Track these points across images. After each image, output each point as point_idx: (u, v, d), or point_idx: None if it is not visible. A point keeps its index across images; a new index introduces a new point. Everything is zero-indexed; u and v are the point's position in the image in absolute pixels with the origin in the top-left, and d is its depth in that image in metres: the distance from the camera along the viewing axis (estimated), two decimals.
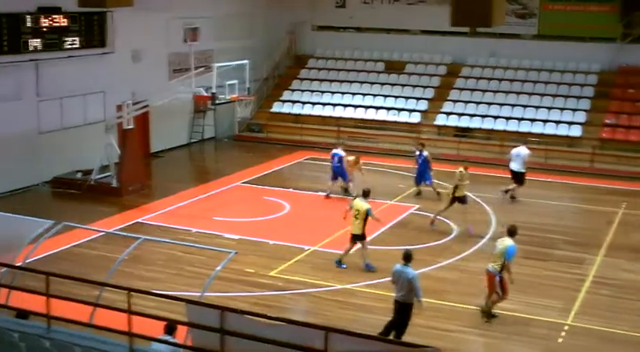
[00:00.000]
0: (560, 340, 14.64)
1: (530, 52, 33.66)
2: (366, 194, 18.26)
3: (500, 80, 33.29)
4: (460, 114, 32.18)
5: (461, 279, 17.58)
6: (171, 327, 11.10)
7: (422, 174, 23.94)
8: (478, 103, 32.47)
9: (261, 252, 19.08)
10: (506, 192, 23.80)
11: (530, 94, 32.36)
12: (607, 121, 30.77)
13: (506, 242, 14.97)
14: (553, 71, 33.10)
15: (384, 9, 35.99)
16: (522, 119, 31.38)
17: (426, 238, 20.07)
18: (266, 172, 27.35)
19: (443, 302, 16.07)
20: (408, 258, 13.85)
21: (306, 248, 19.37)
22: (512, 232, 15.17)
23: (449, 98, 33.20)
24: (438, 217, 21.00)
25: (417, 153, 24.07)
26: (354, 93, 34.29)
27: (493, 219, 21.85)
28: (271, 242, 19.77)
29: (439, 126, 32.16)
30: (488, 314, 15.27)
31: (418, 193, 24.18)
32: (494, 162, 28.03)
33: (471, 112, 32.20)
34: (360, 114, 33.30)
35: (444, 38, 34.11)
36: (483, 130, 31.55)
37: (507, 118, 31.55)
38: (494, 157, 28.86)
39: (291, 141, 31.94)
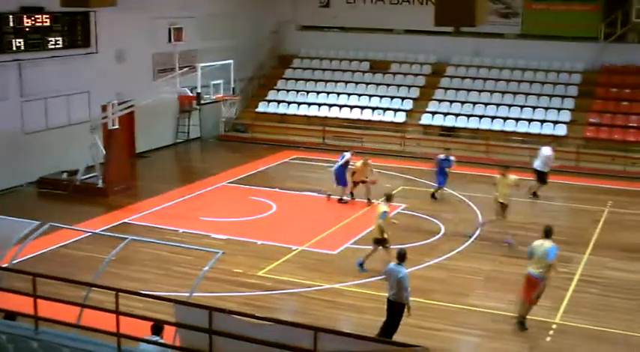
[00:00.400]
0: (548, 339, 14.69)
1: (514, 51, 33.81)
2: (388, 198, 18.03)
3: (484, 79, 33.43)
4: (445, 114, 32.24)
5: (449, 278, 17.59)
6: (158, 327, 11.05)
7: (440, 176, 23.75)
8: (463, 103, 32.55)
9: (249, 251, 19.03)
10: (534, 194, 24.42)
11: (514, 93, 32.50)
12: (591, 120, 30.91)
13: (546, 244, 14.58)
14: (537, 70, 33.24)
15: (368, 9, 36.03)
16: (507, 118, 31.48)
17: (413, 237, 20.06)
18: (252, 172, 27.28)
19: (431, 302, 16.08)
20: (401, 257, 13.85)
21: (294, 248, 19.33)
22: (548, 233, 14.77)
23: (434, 97, 33.26)
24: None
25: (442, 157, 23.73)
26: (338, 93, 34.30)
27: (480, 218, 21.86)
28: (259, 242, 19.72)
29: (424, 126, 32.20)
30: (522, 323, 14.96)
31: (433, 196, 24.03)
32: (480, 161, 28.15)
33: (456, 112, 32.28)
34: (345, 113, 33.31)
35: (428, 37, 34.11)
36: (468, 129, 31.64)
37: (492, 117, 31.67)
38: (480, 156, 28.98)
39: (276, 141, 31.88)
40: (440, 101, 32.96)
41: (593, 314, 15.71)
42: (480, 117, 31.83)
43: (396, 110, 32.95)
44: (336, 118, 33.18)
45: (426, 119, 32.32)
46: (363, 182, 22.96)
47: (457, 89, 33.23)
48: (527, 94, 32.32)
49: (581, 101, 31.77)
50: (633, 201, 24.63)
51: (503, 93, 32.62)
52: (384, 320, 13.98)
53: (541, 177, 24.46)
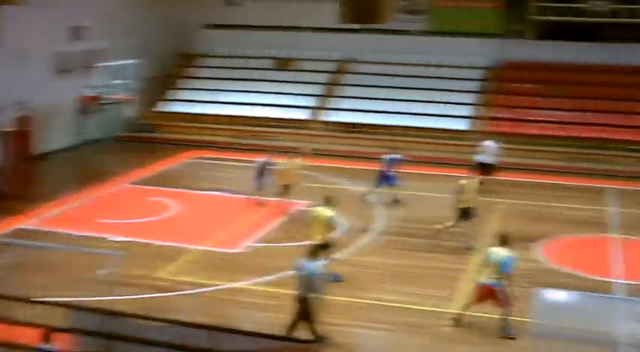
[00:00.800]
0: (446, 329, 14.81)
1: (420, 47, 34.20)
2: (329, 201, 17.06)
3: (390, 76, 33.71)
4: (350, 110, 32.41)
5: (350, 273, 17.61)
6: (48, 335, 10.73)
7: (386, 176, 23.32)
8: (368, 99, 32.77)
9: (149, 253, 18.65)
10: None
11: (419, 90, 32.92)
12: (494, 115, 31.53)
13: (502, 253, 14.17)
14: (441, 66, 33.72)
15: (275, 6, 36.00)
16: (412, 114, 31.86)
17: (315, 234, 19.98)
18: (155, 172, 26.87)
19: (333, 297, 16.03)
20: (313, 253, 13.77)
21: (194, 248, 19.08)
22: (505, 241, 14.38)
23: (338, 94, 33.41)
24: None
25: (388, 156, 23.41)
26: (246, 92, 34.14)
27: (382, 214, 22.00)
28: (158, 243, 19.38)
29: (327, 123, 32.28)
30: (507, 329, 14.41)
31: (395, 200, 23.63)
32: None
33: (361, 108, 32.48)
34: (252, 112, 33.15)
35: (335, 35, 34.28)
36: (373, 126, 31.84)
37: (397, 113, 31.98)
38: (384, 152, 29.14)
39: (182, 141, 31.51)
40: (345, 98, 33.14)
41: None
42: (385, 113, 32.08)
43: (301, 107, 32.98)
44: (244, 117, 33.00)
45: (330, 116, 32.44)
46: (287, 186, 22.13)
47: (362, 86, 33.49)
48: (431, 90, 32.78)
49: (484, 96, 32.38)
50: (525, 192, 25.31)
51: (407, 89, 32.99)
52: (295, 318, 13.86)
53: (487, 169, 24.82)
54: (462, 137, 30.68)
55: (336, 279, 16.54)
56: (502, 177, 26.76)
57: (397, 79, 33.54)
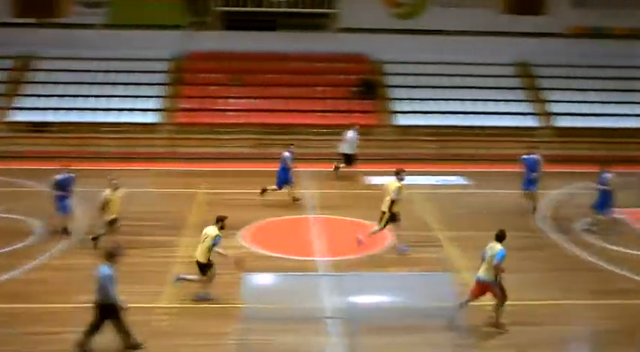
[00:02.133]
0: (158, 323, 14.55)
1: (103, 41, 33.21)
2: (221, 220, 15.78)
3: (77, 72, 32.33)
4: (35, 109, 30.71)
5: (54, 278, 16.74)
6: None
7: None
8: (57, 97, 31.22)
9: None
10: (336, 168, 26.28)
11: (104, 84, 32.07)
12: (183, 106, 31.56)
13: (496, 247, 14.30)
14: (126, 60, 33.04)
15: None
16: (102, 110, 30.84)
17: (5, 242, 18.79)
18: None
19: (43, 305, 15.16)
20: (109, 256, 13.18)
21: None
22: (501, 237, 14.47)
23: (21, 93, 31.57)
24: None
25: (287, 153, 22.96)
26: None
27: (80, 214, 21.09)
28: None
29: (10, 123, 30.32)
30: (499, 323, 14.62)
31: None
32: (70, 155, 26.83)
33: (46, 106, 30.88)
34: None
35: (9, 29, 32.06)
36: (61, 124, 30.41)
37: (87, 110, 30.84)
38: (71, 150, 27.95)
39: None
40: (28, 96, 31.35)
41: (193, 292, 15.85)
42: (71, 110, 30.81)
43: None
44: None
45: (14, 116, 30.53)
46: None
47: (47, 83, 31.90)
48: (117, 84, 32.09)
49: (171, 88, 32.32)
50: (225, 181, 25.78)
51: (92, 84, 31.97)
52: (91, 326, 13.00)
53: (349, 158, 26.12)
54: (153, 130, 30.39)
55: (205, 298, 15.68)
56: (197, 167, 27.01)
57: (86, 74, 32.27)
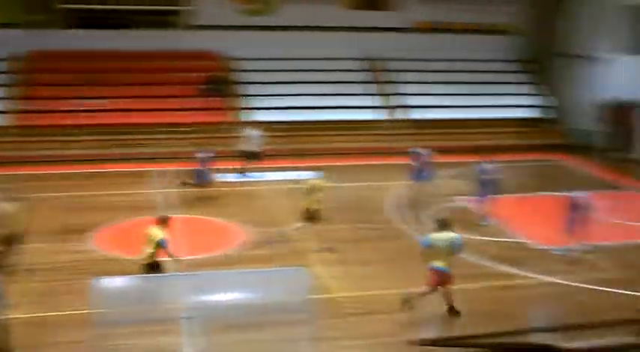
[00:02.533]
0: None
1: None
2: (164, 221, 15.09)
3: None
4: None
5: None
6: None
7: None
8: None
9: None
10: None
11: None
12: (24, 108, 30.24)
13: (450, 235, 14.36)
14: None
15: None
16: None
17: None
18: None
19: None
20: None
21: None
22: (446, 224, 14.56)
23: None
24: None
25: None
26: None
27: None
28: None
29: None
30: (453, 309, 14.82)
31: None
32: None
33: None
34: None
35: None
36: None
37: None
38: None
39: None
40: None
41: (44, 301, 15.26)
42: None
43: None
44: None
45: None
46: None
47: None
48: None
49: (11, 89, 30.91)
50: (76, 184, 25.00)
51: None
52: None
53: (255, 156, 26.37)
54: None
55: None
56: (35, 171, 25.99)
57: None
